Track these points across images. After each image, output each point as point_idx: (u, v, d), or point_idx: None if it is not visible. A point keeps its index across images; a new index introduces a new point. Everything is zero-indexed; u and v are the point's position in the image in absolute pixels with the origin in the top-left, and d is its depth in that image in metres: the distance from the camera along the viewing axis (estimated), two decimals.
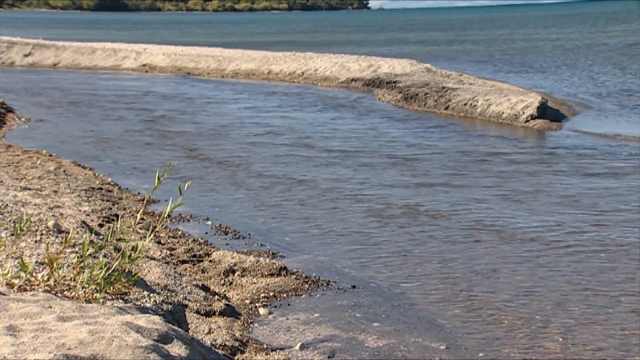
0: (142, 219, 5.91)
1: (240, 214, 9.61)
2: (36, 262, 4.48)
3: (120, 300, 3.85)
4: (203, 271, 7.20)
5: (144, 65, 32.45)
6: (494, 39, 53.14)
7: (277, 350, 5.59)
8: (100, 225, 7.85)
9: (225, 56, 31.67)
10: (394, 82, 22.58)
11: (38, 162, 11.38)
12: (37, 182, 9.54)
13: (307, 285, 6.97)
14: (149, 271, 6.28)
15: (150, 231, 4.38)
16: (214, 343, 5.28)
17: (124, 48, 35.23)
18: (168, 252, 7.58)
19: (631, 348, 5.75)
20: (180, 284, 6.28)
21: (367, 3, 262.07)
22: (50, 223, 5.96)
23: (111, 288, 3.87)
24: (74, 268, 3.89)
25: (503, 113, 17.06)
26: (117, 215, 8.28)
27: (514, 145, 14.24)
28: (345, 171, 12.03)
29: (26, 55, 35.03)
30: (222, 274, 7.10)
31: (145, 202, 4.83)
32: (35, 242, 5.31)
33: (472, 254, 7.93)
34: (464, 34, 63.99)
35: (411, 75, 23.21)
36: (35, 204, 7.71)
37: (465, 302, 6.64)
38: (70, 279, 3.83)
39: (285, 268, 7.24)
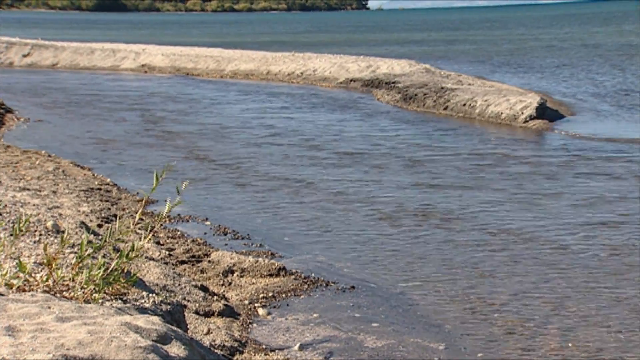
0: (141, 219, 5.92)
1: (240, 214, 9.61)
2: (35, 262, 4.48)
3: (119, 301, 3.85)
4: (202, 271, 7.20)
5: (143, 65, 32.44)
6: (492, 39, 53.16)
7: (276, 351, 5.59)
8: (99, 226, 7.85)
9: (224, 56, 31.65)
10: (393, 82, 22.57)
11: (37, 162, 11.37)
12: (36, 183, 9.53)
13: (306, 286, 6.96)
14: (147, 272, 6.27)
15: (148, 231, 4.38)
16: (213, 343, 5.28)
17: (123, 48, 35.21)
18: (167, 252, 7.58)
19: (630, 349, 5.75)
20: (179, 285, 6.28)
21: (366, 3, 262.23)
22: (49, 223, 5.96)
23: (110, 288, 3.87)
24: (72, 268, 3.89)
25: (502, 113, 17.06)
26: (115, 216, 8.28)
27: (513, 145, 14.24)
28: (346, 171, 12.02)
29: (25, 56, 35.01)
30: (221, 275, 7.10)
31: (144, 202, 4.83)
32: (34, 242, 5.31)
33: (472, 254, 7.93)
34: (463, 34, 64.00)
35: (410, 76, 23.21)
36: (34, 205, 7.71)
37: (464, 303, 6.64)
38: (69, 280, 3.83)
39: (284, 268, 7.24)
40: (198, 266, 7.34)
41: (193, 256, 7.62)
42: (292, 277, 7.13)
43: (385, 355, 5.59)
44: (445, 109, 18.62)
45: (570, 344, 5.80)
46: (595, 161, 12.56)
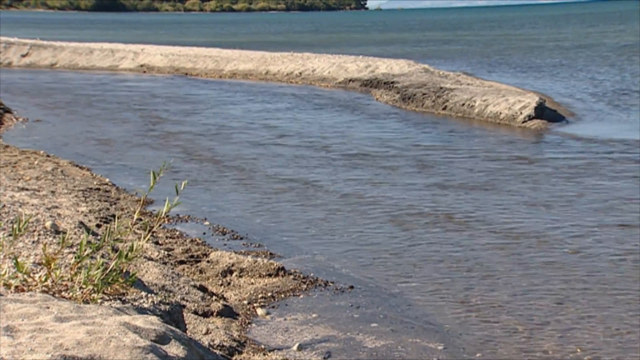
0: (140, 219, 5.91)
1: (238, 214, 9.60)
2: (34, 262, 4.47)
3: (118, 301, 3.85)
4: (201, 272, 7.20)
5: (141, 65, 32.42)
6: (491, 39, 53.18)
7: (275, 351, 5.58)
8: (98, 226, 7.84)
9: (223, 56, 31.64)
10: (392, 82, 22.57)
11: (36, 162, 11.36)
12: (34, 183, 9.52)
13: (304, 286, 6.96)
14: (146, 272, 6.27)
15: (147, 231, 4.37)
16: (211, 343, 5.27)
17: (121, 48, 35.20)
18: (166, 252, 7.57)
19: (630, 349, 5.75)
20: (178, 285, 6.28)
21: (365, 3, 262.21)
22: (48, 223, 5.95)
23: (109, 288, 3.87)
24: (71, 268, 3.88)
25: (501, 113, 17.06)
26: (114, 216, 8.27)
27: (512, 145, 14.24)
28: (350, 174, 12.02)
29: (24, 56, 34.99)
30: (219, 275, 7.10)
31: (142, 202, 4.83)
32: (33, 242, 5.31)
33: (471, 255, 7.92)
34: (462, 34, 64.02)
35: (409, 76, 23.20)
36: (32, 205, 7.70)
37: (463, 303, 6.64)
38: (68, 280, 3.83)
39: (283, 268, 7.23)
40: (197, 266, 7.34)
41: (192, 256, 7.62)
42: (291, 277, 7.13)
43: (384, 356, 5.59)
44: (444, 109, 18.62)
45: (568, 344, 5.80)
46: (595, 161, 12.56)
